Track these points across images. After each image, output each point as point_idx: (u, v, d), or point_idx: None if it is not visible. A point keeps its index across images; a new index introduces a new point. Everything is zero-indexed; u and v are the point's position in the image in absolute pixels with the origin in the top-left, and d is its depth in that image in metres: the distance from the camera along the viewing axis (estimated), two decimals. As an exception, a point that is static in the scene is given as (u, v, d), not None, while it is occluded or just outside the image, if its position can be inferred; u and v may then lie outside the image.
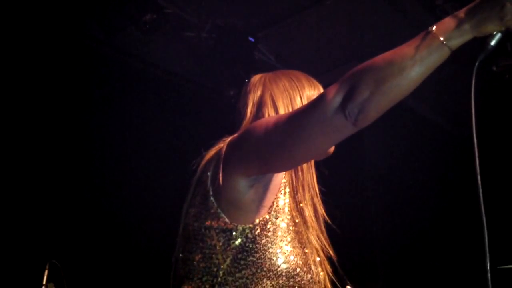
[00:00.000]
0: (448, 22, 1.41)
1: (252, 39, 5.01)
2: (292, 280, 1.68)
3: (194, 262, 1.72)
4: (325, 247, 1.88)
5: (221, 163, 1.70)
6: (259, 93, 1.93)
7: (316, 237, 1.85)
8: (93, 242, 4.37)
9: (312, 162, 1.88)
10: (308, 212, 1.84)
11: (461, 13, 1.41)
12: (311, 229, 1.84)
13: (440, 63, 1.42)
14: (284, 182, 1.78)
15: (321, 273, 1.84)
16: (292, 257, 1.68)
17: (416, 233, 5.89)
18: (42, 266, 3.06)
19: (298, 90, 1.92)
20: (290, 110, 1.86)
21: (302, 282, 1.71)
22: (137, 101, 5.04)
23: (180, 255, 1.77)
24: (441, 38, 1.38)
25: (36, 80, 4.36)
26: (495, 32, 1.44)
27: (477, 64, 1.48)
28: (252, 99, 1.93)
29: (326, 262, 1.88)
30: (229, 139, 1.76)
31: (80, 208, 4.39)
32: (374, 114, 1.40)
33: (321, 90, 1.96)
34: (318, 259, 1.83)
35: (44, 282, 3.04)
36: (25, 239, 3.98)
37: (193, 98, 5.52)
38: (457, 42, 1.40)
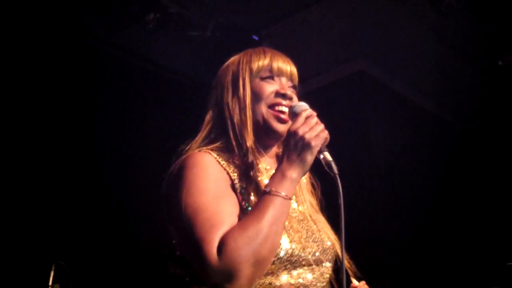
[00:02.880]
0: (280, 179, 1.61)
1: (256, 38, 4.99)
2: (288, 263, 1.65)
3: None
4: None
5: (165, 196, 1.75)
6: (215, 80, 1.98)
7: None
8: (98, 243, 4.36)
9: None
10: None
11: (283, 164, 1.63)
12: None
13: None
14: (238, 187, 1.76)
15: (328, 242, 1.82)
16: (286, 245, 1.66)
17: (422, 230, 5.87)
18: (48, 267, 3.06)
19: (243, 67, 1.90)
20: (230, 92, 1.88)
21: (303, 259, 1.68)
22: (140, 100, 5.04)
23: (177, 252, 1.76)
24: (283, 194, 1.59)
25: (39, 79, 4.36)
26: (321, 156, 1.67)
27: (338, 179, 1.64)
28: (214, 84, 1.98)
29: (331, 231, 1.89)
30: (180, 160, 1.77)
31: (86, 209, 4.39)
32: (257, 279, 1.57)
33: (275, 62, 1.90)
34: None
35: (50, 283, 3.04)
36: (31, 240, 3.98)
37: (197, 97, 5.48)
38: (293, 190, 1.63)
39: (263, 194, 1.60)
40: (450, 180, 6.48)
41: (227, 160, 1.77)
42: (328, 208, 1.97)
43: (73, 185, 4.39)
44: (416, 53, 5.60)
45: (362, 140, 5.52)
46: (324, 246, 1.79)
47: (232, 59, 1.99)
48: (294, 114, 1.73)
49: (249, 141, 1.80)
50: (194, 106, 5.38)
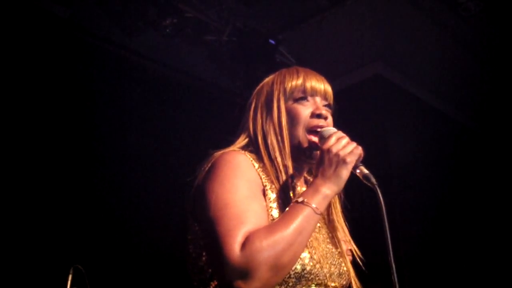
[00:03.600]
0: (313, 192, 1.64)
1: (272, 42, 4.99)
2: (303, 279, 1.66)
3: (205, 267, 1.73)
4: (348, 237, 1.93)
5: (194, 196, 1.76)
6: (250, 100, 1.98)
7: (341, 231, 1.91)
8: (116, 247, 4.38)
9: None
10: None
11: (317, 180, 1.66)
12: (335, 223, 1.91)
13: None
14: (268, 191, 1.77)
15: (345, 267, 1.83)
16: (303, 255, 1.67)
17: (441, 232, 5.83)
18: (66, 271, 3.07)
19: (278, 87, 1.90)
20: (265, 114, 1.89)
21: (318, 278, 1.69)
22: (157, 104, 5.06)
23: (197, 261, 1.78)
24: (313, 206, 1.60)
25: (56, 84, 4.39)
26: (357, 171, 1.71)
27: (379, 191, 1.69)
28: (249, 104, 1.97)
29: (349, 253, 1.91)
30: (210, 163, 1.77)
31: (104, 213, 4.41)
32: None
33: (309, 82, 1.91)
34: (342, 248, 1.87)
35: (68, 287, 3.04)
36: (49, 244, 4.00)
37: (214, 101, 5.52)
38: (324, 206, 1.64)
39: (293, 203, 1.62)
40: (468, 182, 6.43)
41: (261, 167, 1.79)
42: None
43: (93, 189, 4.41)
44: (432, 56, 5.58)
45: (379, 143, 5.50)
46: (341, 270, 1.80)
47: (267, 79, 1.99)
48: (323, 138, 1.76)
49: (288, 162, 1.81)
50: (210, 110, 5.42)
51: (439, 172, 6.10)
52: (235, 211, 1.58)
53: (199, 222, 1.73)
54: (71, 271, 3.07)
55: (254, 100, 1.95)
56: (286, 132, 1.84)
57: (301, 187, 1.91)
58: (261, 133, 1.87)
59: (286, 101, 1.88)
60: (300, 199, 1.62)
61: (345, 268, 1.83)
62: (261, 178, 1.75)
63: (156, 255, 4.56)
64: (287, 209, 1.63)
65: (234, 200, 1.61)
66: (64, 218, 4.17)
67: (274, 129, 1.85)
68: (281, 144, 1.83)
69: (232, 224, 1.55)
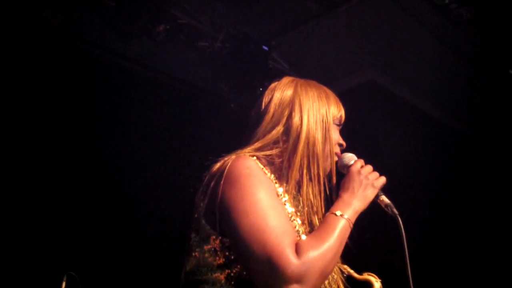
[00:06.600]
0: (346, 206, 1.79)
1: (266, 48, 5.00)
2: None
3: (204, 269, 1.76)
4: None
5: (217, 197, 1.75)
6: (289, 93, 1.99)
7: None
8: (110, 253, 4.37)
9: (318, 179, 1.92)
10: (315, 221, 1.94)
11: (347, 195, 1.82)
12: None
13: None
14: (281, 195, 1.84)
15: (334, 275, 1.90)
16: None
17: (432, 236, 5.84)
18: (60, 278, 3.06)
19: (326, 106, 1.98)
20: (314, 120, 1.94)
21: None
22: (151, 110, 5.06)
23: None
24: (346, 217, 1.74)
25: (48, 90, 4.39)
26: (380, 199, 1.89)
27: (399, 219, 1.86)
28: (280, 97, 1.98)
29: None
30: (227, 164, 1.78)
31: (99, 219, 4.40)
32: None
33: (343, 114, 2.03)
34: None
35: (61, 294, 3.03)
36: (43, 250, 3.99)
37: (207, 107, 5.52)
38: (354, 219, 1.79)
39: (330, 215, 1.76)
40: (460, 187, 6.45)
41: (271, 172, 1.87)
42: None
43: (87, 195, 4.40)
44: (425, 62, 5.60)
45: (372, 149, 5.50)
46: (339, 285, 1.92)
47: (304, 84, 2.04)
48: (344, 164, 1.96)
49: (328, 169, 1.95)
50: (204, 116, 5.42)
51: (431, 178, 6.11)
52: (274, 221, 1.65)
53: (227, 231, 1.72)
54: (64, 278, 3.06)
55: (297, 103, 1.97)
56: (330, 139, 1.96)
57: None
58: (308, 137, 1.91)
59: (326, 117, 1.98)
60: (338, 212, 1.74)
61: (334, 275, 1.91)
62: (272, 182, 1.83)
63: (151, 262, 4.56)
64: (324, 221, 1.75)
65: (267, 209, 1.67)
66: (58, 224, 4.16)
67: (323, 130, 1.94)
68: (325, 142, 1.93)
69: (276, 233, 1.61)
